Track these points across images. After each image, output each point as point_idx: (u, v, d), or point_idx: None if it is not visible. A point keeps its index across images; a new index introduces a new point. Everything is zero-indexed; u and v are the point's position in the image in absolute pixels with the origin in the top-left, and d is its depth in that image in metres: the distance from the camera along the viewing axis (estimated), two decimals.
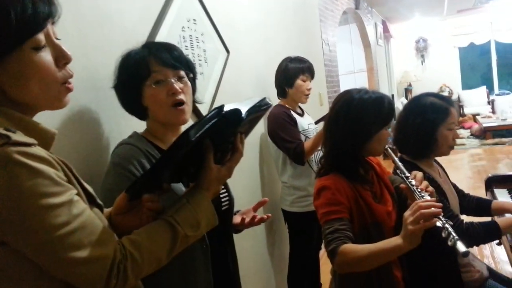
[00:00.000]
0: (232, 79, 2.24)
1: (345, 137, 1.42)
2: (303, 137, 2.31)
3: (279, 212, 2.55)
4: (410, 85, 9.66)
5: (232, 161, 0.94)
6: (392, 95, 8.66)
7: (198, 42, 1.88)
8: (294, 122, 2.33)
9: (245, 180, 2.33)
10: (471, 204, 1.86)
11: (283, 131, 2.27)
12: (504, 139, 7.27)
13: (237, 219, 1.36)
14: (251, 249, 2.33)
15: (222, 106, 0.82)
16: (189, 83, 1.21)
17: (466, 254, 1.03)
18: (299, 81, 2.36)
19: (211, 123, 0.78)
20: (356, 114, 1.40)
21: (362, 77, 7.19)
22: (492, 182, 2.25)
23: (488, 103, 9.30)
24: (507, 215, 1.75)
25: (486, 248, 3.27)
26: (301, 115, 2.46)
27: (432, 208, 1.11)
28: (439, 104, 1.67)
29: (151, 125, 1.23)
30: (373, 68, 6.99)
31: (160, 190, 0.90)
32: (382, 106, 1.42)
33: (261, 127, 2.55)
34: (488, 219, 1.77)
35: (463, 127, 8.83)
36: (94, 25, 1.34)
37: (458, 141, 6.33)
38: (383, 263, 1.23)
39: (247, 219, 1.33)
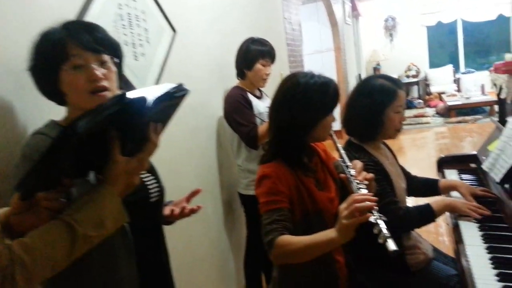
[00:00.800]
0: (180, 60, 2.14)
1: (289, 123, 1.38)
2: (258, 121, 2.27)
3: (236, 195, 2.52)
4: (378, 64, 9.71)
5: (144, 152, 0.88)
6: (359, 75, 8.70)
7: (138, 20, 1.78)
8: (250, 105, 2.29)
9: (198, 165, 2.28)
10: (418, 185, 1.88)
11: (238, 114, 2.24)
12: (467, 117, 7.44)
13: (166, 210, 1.30)
14: (204, 234, 2.29)
15: (123, 94, 0.75)
16: (113, 68, 1.12)
17: (394, 253, 1.02)
18: (258, 65, 2.32)
19: (106, 114, 0.71)
20: (301, 100, 1.36)
21: (329, 57, 7.15)
22: (443, 163, 2.27)
23: (454, 81, 9.45)
24: (441, 197, 1.77)
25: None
26: (259, 97, 2.42)
27: (366, 202, 1.10)
28: (387, 86, 1.65)
29: (70, 112, 1.14)
30: (340, 47, 6.96)
31: (59, 186, 0.82)
32: (327, 92, 1.37)
33: (218, 110, 2.48)
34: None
35: (429, 106, 9.00)
36: (15, 3, 1.23)
37: (423, 119, 6.40)
38: (318, 255, 1.22)
39: (176, 211, 1.27)
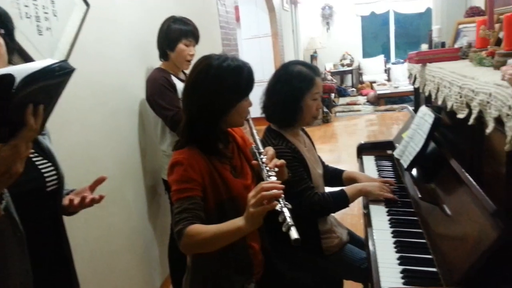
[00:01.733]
0: (96, 38, 2.00)
1: (202, 107, 1.33)
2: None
3: (161, 181, 2.44)
4: (315, 52, 9.90)
5: (18, 138, 0.78)
6: None
7: None
8: (174, 88, 2.21)
9: (118, 150, 2.16)
10: (327, 175, 1.92)
11: (161, 97, 2.15)
12: (394, 106, 7.83)
13: (65, 200, 1.20)
14: (125, 222, 2.19)
15: None
16: (1, 41, 1.00)
17: (296, 241, 1.02)
18: (181, 45, 2.23)
19: None
20: (214, 84, 1.31)
21: (267, 42, 7.15)
22: (363, 150, 2.34)
23: (385, 71, 9.90)
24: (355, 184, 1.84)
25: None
26: (184, 80, 2.30)
27: (274, 191, 1.09)
28: (305, 73, 1.65)
29: None
30: (278, 33, 6.98)
31: None
32: (241, 76, 1.33)
33: (141, 92, 2.36)
34: None
35: (361, 94, 9.36)
36: None
37: (355, 107, 6.58)
38: (227, 244, 1.20)
39: (76, 200, 1.18)
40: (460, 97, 1.25)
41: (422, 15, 10.11)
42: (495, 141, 1.11)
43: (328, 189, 1.79)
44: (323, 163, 1.96)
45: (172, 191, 1.28)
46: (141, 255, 2.36)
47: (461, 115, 1.25)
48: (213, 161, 1.35)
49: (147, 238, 2.43)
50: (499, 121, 0.95)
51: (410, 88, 8.04)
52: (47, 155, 1.16)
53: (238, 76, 1.32)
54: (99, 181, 1.26)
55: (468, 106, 1.20)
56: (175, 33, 2.21)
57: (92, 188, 1.26)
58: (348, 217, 3.18)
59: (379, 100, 8.11)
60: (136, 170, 2.35)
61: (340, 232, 1.78)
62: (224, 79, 1.30)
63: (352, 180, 1.86)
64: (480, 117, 1.10)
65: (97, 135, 1.97)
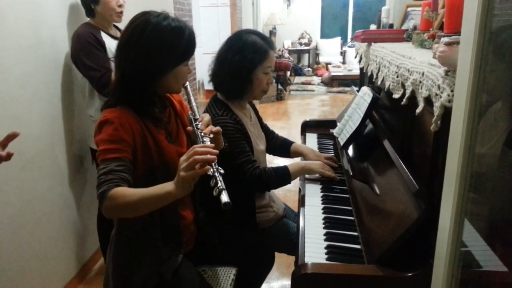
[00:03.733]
0: None
1: (135, 68, 1.23)
2: (113, 65, 2.00)
3: (88, 151, 2.29)
4: (275, 28, 9.78)
5: None
6: None
7: None
8: (102, 46, 2.01)
9: (42, 111, 1.99)
10: (276, 144, 1.90)
11: (87, 56, 1.96)
12: (346, 88, 7.96)
13: None
14: (51, 189, 2.05)
15: None
16: None
17: (226, 205, 0.99)
18: None
19: None
20: (149, 43, 1.21)
21: (225, 12, 6.94)
22: (307, 127, 2.33)
23: (341, 53, 10.00)
24: (299, 159, 1.83)
25: None
26: (115, 37, 2.12)
27: (208, 155, 1.04)
28: (260, 44, 1.58)
29: None
30: (236, 3, 6.79)
31: None
32: (181, 38, 1.24)
33: (66, 45, 2.16)
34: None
35: (316, 75, 9.43)
36: None
37: (309, 87, 6.57)
38: (154, 209, 1.13)
39: None
40: (397, 76, 1.24)
41: (381, 0, 10.25)
42: (426, 122, 1.11)
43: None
44: (273, 132, 1.93)
45: (98, 151, 1.18)
46: (70, 224, 2.23)
47: (396, 95, 1.25)
48: (147, 124, 1.27)
49: (78, 205, 2.31)
50: (429, 101, 0.95)
51: None
52: None
53: (177, 37, 1.23)
54: (11, 137, 1.15)
55: (403, 86, 1.19)
56: None
57: (3, 144, 1.14)
58: (291, 194, 3.21)
59: (332, 82, 8.21)
60: (60, 135, 2.16)
61: (276, 207, 1.77)
62: (161, 38, 1.21)
63: (299, 153, 1.85)
64: (414, 98, 1.10)
65: (17, 93, 1.79)
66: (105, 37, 2.06)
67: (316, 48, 10.13)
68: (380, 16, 2.09)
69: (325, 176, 1.62)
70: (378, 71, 1.55)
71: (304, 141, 2.21)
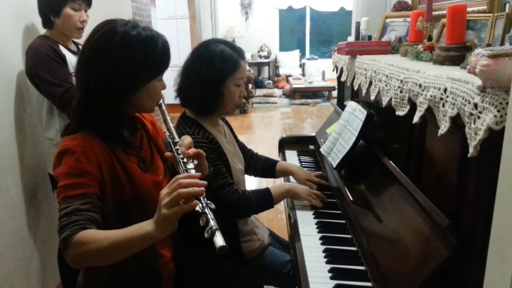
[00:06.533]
0: None
1: (100, 83, 1.04)
2: (75, 80, 1.81)
3: (46, 177, 2.03)
4: (234, 41, 9.70)
5: None
6: None
7: None
8: (63, 60, 1.81)
9: None
10: (258, 164, 1.76)
11: (47, 71, 1.75)
12: (309, 100, 7.99)
13: None
14: (2, 223, 1.78)
15: None
16: None
17: (222, 249, 0.82)
18: (68, 10, 1.82)
19: None
20: (117, 55, 1.03)
21: (184, 25, 6.77)
22: (285, 143, 2.20)
23: (300, 66, 10.08)
24: (281, 181, 1.70)
25: None
26: (75, 52, 1.92)
27: (194, 188, 0.88)
28: (229, 54, 1.43)
29: None
30: (195, 16, 6.64)
31: None
32: (154, 49, 1.07)
33: (19, 63, 1.91)
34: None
35: (277, 87, 9.42)
36: None
37: (271, 99, 6.50)
38: (130, 254, 0.94)
39: None
40: (401, 92, 1.13)
41: (335, 14, 10.46)
42: (443, 143, 1.00)
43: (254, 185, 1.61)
44: (251, 152, 1.78)
45: (59, 187, 0.99)
46: (23, 261, 1.95)
47: (400, 112, 1.14)
48: (116, 151, 1.09)
49: (31, 242, 2.03)
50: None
51: (323, 84, 8.30)
52: None
53: (150, 48, 1.06)
54: None
55: (411, 102, 1.09)
56: None
57: None
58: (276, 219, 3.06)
59: (294, 94, 8.21)
60: (13, 162, 1.90)
61: (261, 234, 1.61)
62: (131, 50, 1.03)
63: (286, 172, 1.72)
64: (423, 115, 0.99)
65: None
66: (64, 51, 1.85)
67: (275, 61, 10.16)
68: (359, 28, 2.01)
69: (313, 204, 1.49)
70: (369, 85, 1.44)
71: (283, 159, 2.07)
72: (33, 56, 1.77)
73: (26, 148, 1.97)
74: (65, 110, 1.77)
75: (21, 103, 1.94)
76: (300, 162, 2.00)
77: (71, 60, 1.84)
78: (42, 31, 1.93)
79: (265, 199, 1.46)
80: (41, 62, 1.75)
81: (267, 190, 1.48)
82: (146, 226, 0.89)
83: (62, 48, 1.85)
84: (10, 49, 1.89)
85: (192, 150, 1.08)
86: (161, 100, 1.21)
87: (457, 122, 0.83)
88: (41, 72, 1.75)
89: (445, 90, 0.86)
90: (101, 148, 1.06)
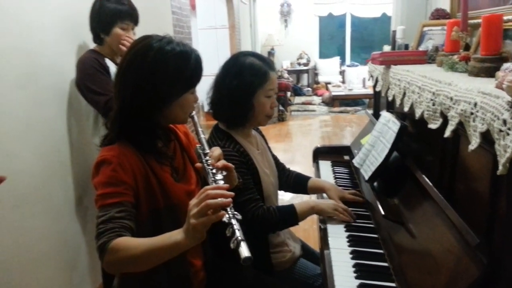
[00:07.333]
0: (15, 4, 1.68)
1: (136, 96, 1.10)
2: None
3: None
4: (273, 49, 9.76)
5: None
6: None
7: None
8: (107, 71, 1.94)
9: (42, 144, 1.85)
10: (289, 180, 1.75)
11: (91, 81, 1.88)
12: (348, 108, 7.87)
13: None
14: (49, 227, 1.89)
15: None
16: None
17: (246, 260, 0.83)
18: (117, 30, 1.95)
19: None
20: (153, 69, 1.09)
21: (224, 34, 6.90)
22: (319, 153, 2.19)
23: (340, 73, 9.96)
24: (306, 198, 1.67)
25: None
26: None
27: (222, 199, 0.90)
28: (258, 66, 1.45)
29: None
30: (235, 25, 6.75)
31: None
32: (187, 64, 1.12)
33: (71, 74, 2.05)
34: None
35: (316, 94, 9.36)
36: None
37: (310, 107, 6.44)
38: (161, 262, 0.98)
39: None
40: (433, 104, 1.11)
41: (377, 20, 10.26)
42: (476, 158, 0.97)
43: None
44: (283, 167, 1.77)
45: (96, 196, 1.05)
46: (68, 263, 2.06)
47: (433, 125, 1.11)
48: (150, 161, 1.14)
49: (76, 244, 2.14)
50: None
51: (364, 91, 8.15)
52: None
53: (183, 63, 1.11)
54: None
55: (443, 115, 1.06)
56: (109, 14, 1.93)
57: None
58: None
59: (333, 101, 8.12)
60: (65, 167, 2.04)
61: (293, 246, 1.61)
62: (165, 64, 1.09)
63: (319, 189, 1.68)
64: (457, 129, 0.97)
65: (14, 125, 1.66)
66: (109, 63, 1.99)
67: (315, 68, 10.09)
68: (394, 37, 1.97)
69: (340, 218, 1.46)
70: (403, 96, 1.41)
71: (317, 169, 2.06)
72: (80, 68, 1.92)
73: (75, 154, 2.10)
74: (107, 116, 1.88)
75: (72, 112, 2.08)
76: (334, 172, 1.98)
77: (115, 72, 1.94)
78: (92, 45, 2.07)
79: (289, 216, 1.45)
80: (86, 73, 1.89)
81: (291, 206, 1.46)
82: (175, 235, 0.93)
83: (108, 61, 1.98)
84: (65, 62, 2.04)
85: (221, 163, 1.11)
86: (194, 112, 1.25)
87: (488, 138, 0.80)
88: (86, 82, 1.89)
89: (475, 104, 0.84)
90: (136, 158, 1.11)
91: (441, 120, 1.07)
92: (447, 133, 0.98)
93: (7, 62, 1.64)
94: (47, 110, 1.90)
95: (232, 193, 0.94)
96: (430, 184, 1.11)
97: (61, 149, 2.01)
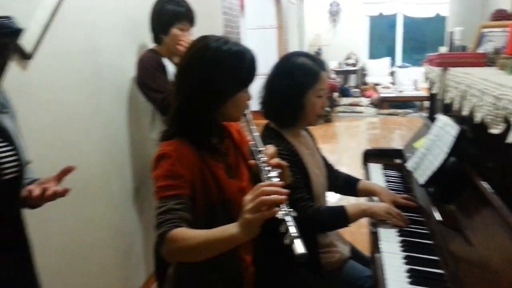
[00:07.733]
0: (81, 5, 1.80)
1: (194, 94, 1.16)
2: None
3: (150, 176, 2.25)
4: (320, 49, 9.65)
5: None
6: None
7: None
8: (164, 69, 2.04)
9: (102, 137, 1.97)
10: (338, 181, 1.74)
11: (150, 79, 1.99)
12: (398, 110, 7.65)
13: (24, 191, 1.04)
14: (106, 216, 2.02)
15: None
16: None
17: (302, 257, 0.84)
18: (175, 30, 2.04)
19: None
20: (210, 68, 1.13)
21: (272, 34, 6.94)
22: (369, 156, 2.16)
23: (390, 74, 9.66)
24: (358, 200, 1.65)
25: None
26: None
27: (276, 195, 0.92)
28: (309, 66, 1.46)
29: None
30: (282, 25, 6.77)
31: None
32: (242, 63, 1.16)
33: (132, 72, 2.16)
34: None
35: (364, 96, 9.16)
36: None
37: (357, 108, 6.35)
38: (217, 253, 1.02)
39: (36, 192, 1.00)
40: (496, 109, 1.07)
41: (430, 21, 9.87)
42: None
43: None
44: (332, 168, 1.77)
45: (156, 188, 1.11)
46: (123, 250, 2.19)
47: (495, 130, 1.07)
48: (206, 157, 1.18)
49: (131, 233, 2.26)
50: None
51: (415, 93, 7.88)
52: (6, 136, 1.00)
53: (238, 62, 1.15)
54: (66, 171, 1.09)
55: (506, 120, 1.02)
56: (168, 15, 2.03)
57: (59, 178, 1.09)
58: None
59: (382, 103, 7.92)
60: (123, 159, 2.17)
61: (341, 247, 1.61)
62: (222, 64, 1.13)
63: (369, 192, 1.65)
64: None
65: (75, 118, 1.78)
66: (167, 62, 2.08)
67: (363, 69, 9.88)
68: (451, 38, 1.91)
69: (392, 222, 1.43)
70: (462, 99, 1.37)
71: (367, 172, 2.03)
72: (140, 66, 2.04)
73: (133, 148, 2.22)
74: (164, 113, 1.96)
75: (131, 108, 2.20)
76: (386, 176, 1.95)
77: (172, 71, 2.05)
78: (151, 45, 2.18)
79: (340, 218, 1.43)
80: (145, 72, 2.01)
81: (342, 208, 1.44)
82: (231, 229, 0.96)
83: (165, 60, 2.08)
84: (125, 61, 2.17)
85: (275, 160, 1.13)
86: (247, 110, 1.29)
87: None
88: (145, 80, 2.00)
89: None
90: (192, 153, 1.15)
91: (503, 125, 1.03)
92: (510, 139, 0.95)
93: (74, 61, 1.76)
94: (108, 106, 2.02)
95: (287, 191, 0.95)
96: (491, 190, 1.07)
97: (120, 143, 2.14)
